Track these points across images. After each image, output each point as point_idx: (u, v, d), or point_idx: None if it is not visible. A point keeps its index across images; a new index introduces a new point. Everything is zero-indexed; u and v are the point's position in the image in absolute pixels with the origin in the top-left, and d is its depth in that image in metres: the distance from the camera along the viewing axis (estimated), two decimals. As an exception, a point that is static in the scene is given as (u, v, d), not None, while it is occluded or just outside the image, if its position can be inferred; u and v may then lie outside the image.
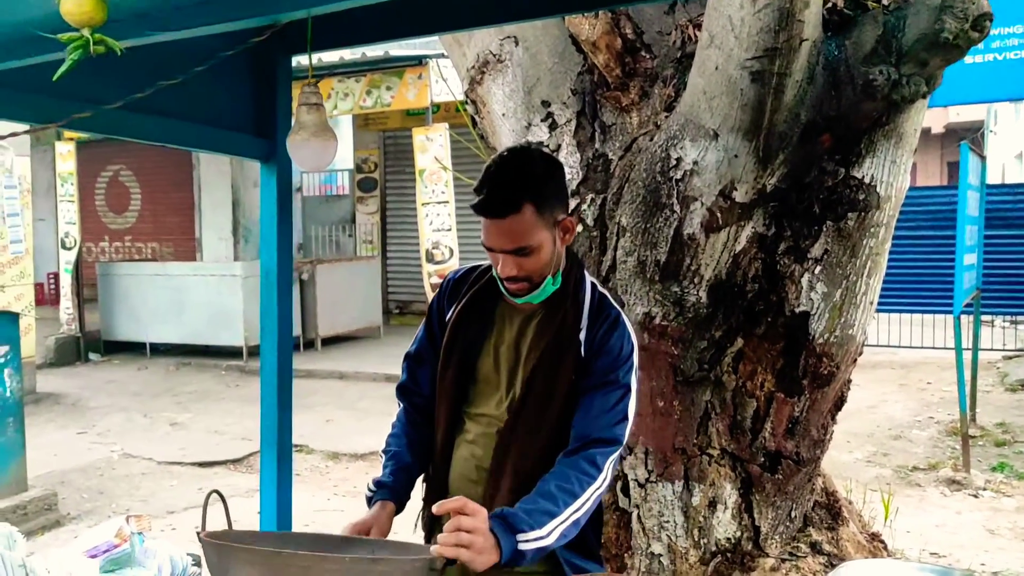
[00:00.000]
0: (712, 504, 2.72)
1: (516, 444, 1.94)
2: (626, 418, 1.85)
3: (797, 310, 2.56)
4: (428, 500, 2.08)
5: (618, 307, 1.95)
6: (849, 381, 2.79)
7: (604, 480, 1.82)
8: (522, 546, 1.68)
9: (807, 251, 2.52)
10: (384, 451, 2.13)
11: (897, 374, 10.41)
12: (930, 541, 5.24)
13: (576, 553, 1.94)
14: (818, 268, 2.53)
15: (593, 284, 1.96)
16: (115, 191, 15.74)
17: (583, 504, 1.79)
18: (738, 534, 2.73)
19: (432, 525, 2.09)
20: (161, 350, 11.95)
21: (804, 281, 2.54)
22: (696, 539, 2.73)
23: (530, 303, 1.92)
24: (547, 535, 1.73)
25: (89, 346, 11.78)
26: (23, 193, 9.19)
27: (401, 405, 2.17)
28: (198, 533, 1.56)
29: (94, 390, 10.05)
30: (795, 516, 2.81)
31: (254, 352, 11.11)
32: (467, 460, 2.02)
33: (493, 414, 1.99)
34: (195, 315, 11.32)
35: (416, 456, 2.08)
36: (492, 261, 1.91)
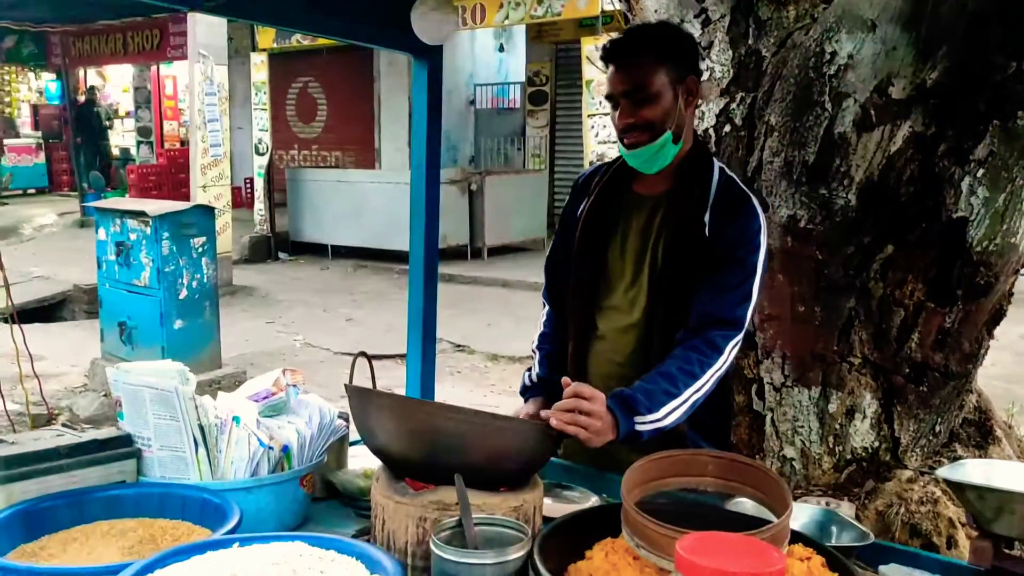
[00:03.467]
0: (850, 412, 2.68)
1: (646, 333, 2.00)
2: (748, 298, 1.85)
3: (955, 215, 2.42)
4: None
5: (748, 190, 1.94)
6: (1010, 294, 2.62)
7: (724, 363, 1.84)
8: (639, 427, 1.76)
9: (969, 152, 2.36)
10: (537, 347, 2.24)
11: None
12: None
13: (709, 442, 1.99)
14: (980, 171, 2.37)
15: (721, 168, 1.95)
16: (304, 102, 16.62)
17: (702, 386, 1.83)
18: (876, 444, 2.67)
19: None
20: (341, 252, 12.71)
21: (964, 185, 2.39)
22: (831, 446, 2.71)
23: (653, 185, 1.92)
24: (664, 416, 1.79)
25: (279, 246, 12.73)
26: (221, 100, 9.93)
27: (546, 307, 2.28)
28: (345, 385, 1.74)
29: (281, 285, 10.92)
30: (940, 431, 2.71)
31: (425, 258, 11.62)
32: (600, 355, 2.09)
33: (621, 306, 2.05)
34: (372, 220, 11.91)
35: (564, 354, 2.17)
36: (613, 120, 1.94)
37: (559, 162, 14.69)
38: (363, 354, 1.90)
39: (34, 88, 20.35)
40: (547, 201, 13.38)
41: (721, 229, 1.87)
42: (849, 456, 2.69)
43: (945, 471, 1.49)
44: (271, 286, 10.84)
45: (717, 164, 1.95)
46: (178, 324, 5.81)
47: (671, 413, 1.80)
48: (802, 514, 1.78)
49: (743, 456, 1.60)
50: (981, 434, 2.78)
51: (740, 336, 1.87)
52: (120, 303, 6.05)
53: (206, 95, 9.56)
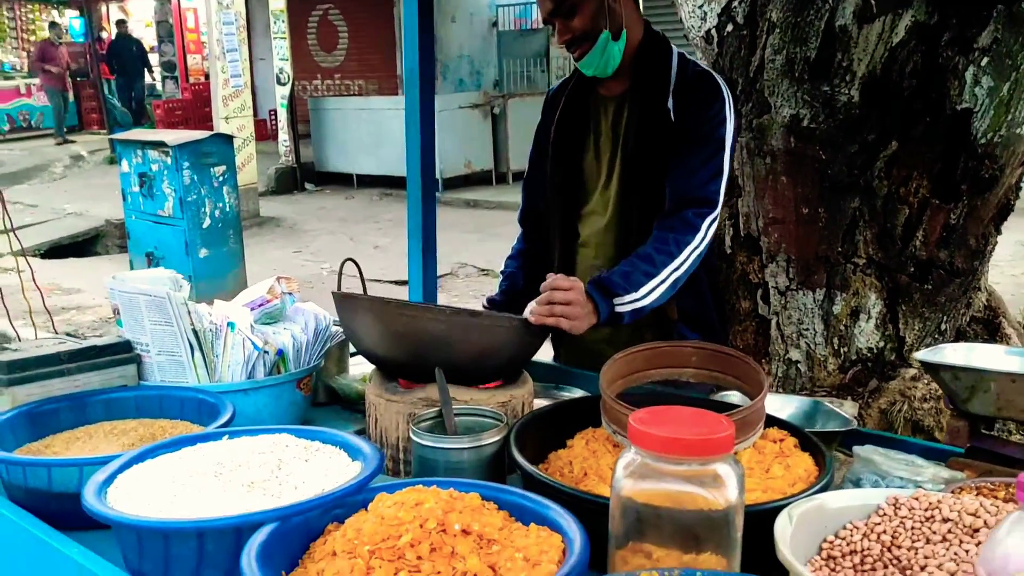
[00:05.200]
0: (854, 313, 2.67)
1: (624, 232, 2.00)
2: (719, 174, 1.85)
3: (959, 108, 2.36)
4: None
5: (710, 68, 1.93)
6: (1017, 187, 2.57)
7: (702, 241, 1.85)
8: (619, 308, 1.78)
9: (973, 41, 2.29)
10: (504, 269, 2.27)
11: None
12: None
13: (699, 333, 2.01)
14: (984, 59, 2.30)
15: (680, 53, 1.94)
16: (325, 30, 16.45)
17: (681, 264, 1.84)
18: (881, 344, 2.67)
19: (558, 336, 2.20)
20: (366, 181, 12.74)
21: (968, 75, 2.32)
22: (836, 347, 2.71)
23: (608, 80, 1.92)
24: (644, 296, 1.81)
25: (304, 176, 12.78)
26: (239, 29, 9.87)
27: (521, 231, 2.29)
28: (333, 292, 1.78)
29: (308, 215, 11.00)
30: (945, 329, 2.69)
31: (449, 184, 11.61)
32: (584, 262, 2.11)
33: (598, 209, 2.06)
34: (395, 148, 11.84)
35: (529, 278, 2.19)
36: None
37: (584, 82, 14.44)
38: (350, 259, 1.94)
39: (43, 23, 20.09)
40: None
41: (685, 110, 1.88)
42: (854, 357, 2.69)
43: (922, 354, 1.49)
44: (297, 216, 10.93)
45: (676, 50, 1.94)
46: (203, 253, 5.91)
47: (650, 293, 1.82)
48: (790, 405, 1.81)
49: (724, 346, 1.61)
50: (989, 332, 2.75)
51: (716, 213, 1.87)
52: (146, 234, 6.16)
53: (224, 24, 9.50)
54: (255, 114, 11.24)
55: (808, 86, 2.49)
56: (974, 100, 2.35)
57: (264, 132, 14.24)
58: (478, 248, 8.74)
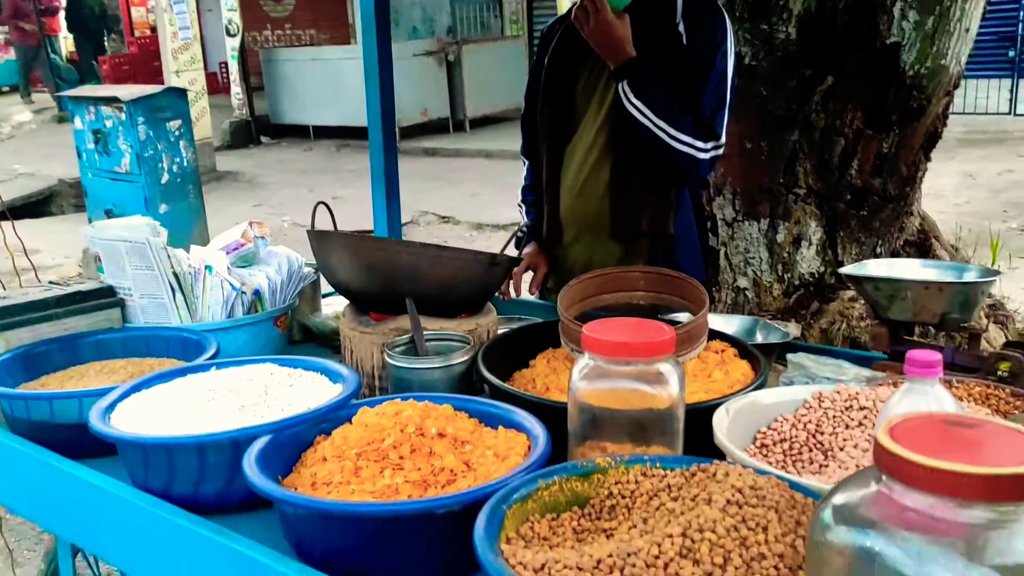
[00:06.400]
0: (796, 241, 2.84)
1: (617, 164, 2.08)
2: (723, 106, 1.95)
3: (888, 41, 2.50)
4: (549, 234, 2.28)
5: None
6: (943, 116, 2.73)
7: (693, 142, 1.95)
8: (624, 80, 1.93)
9: (900, -23, 2.43)
10: (522, 201, 2.38)
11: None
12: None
13: (688, 257, 2.13)
14: (911, -5, 2.44)
15: None
16: (272, -21, 16.13)
17: (673, 137, 1.95)
18: (821, 269, 2.85)
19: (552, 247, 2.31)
20: (323, 132, 12.65)
21: (896, 10, 2.46)
22: (780, 273, 2.88)
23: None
24: (639, 104, 1.94)
25: (260, 129, 12.66)
26: (185, -20, 9.68)
27: (525, 163, 2.38)
28: (307, 230, 1.88)
29: (266, 169, 10.94)
30: (880, 252, 2.87)
31: (407, 133, 11.58)
32: (571, 191, 2.19)
33: (590, 139, 2.12)
34: (352, 98, 11.77)
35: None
36: None
37: (538, 26, 14.39)
38: (322, 203, 2.04)
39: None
40: (527, 67, 13.19)
41: (694, 35, 1.95)
42: (797, 282, 2.87)
43: (848, 268, 1.64)
44: (255, 170, 10.86)
45: None
46: (163, 208, 5.91)
47: (644, 112, 1.94)
48: (734, 323, 1.96)
49: (669, 269, 1.75)
50: (921, 254, 2.94)
51: (718, 145, 1.96)
52: (104, 191, 6.13)
53: (168, -25, 9.31)
54: (205, 67, 11.05)
55: (748, 24, 2.61)
56: (902, 34, 2.49)
57: (215, 85, 13.99)
58: (438, 196, 8.81)
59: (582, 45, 2.09)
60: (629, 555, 0.87)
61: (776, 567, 0.85)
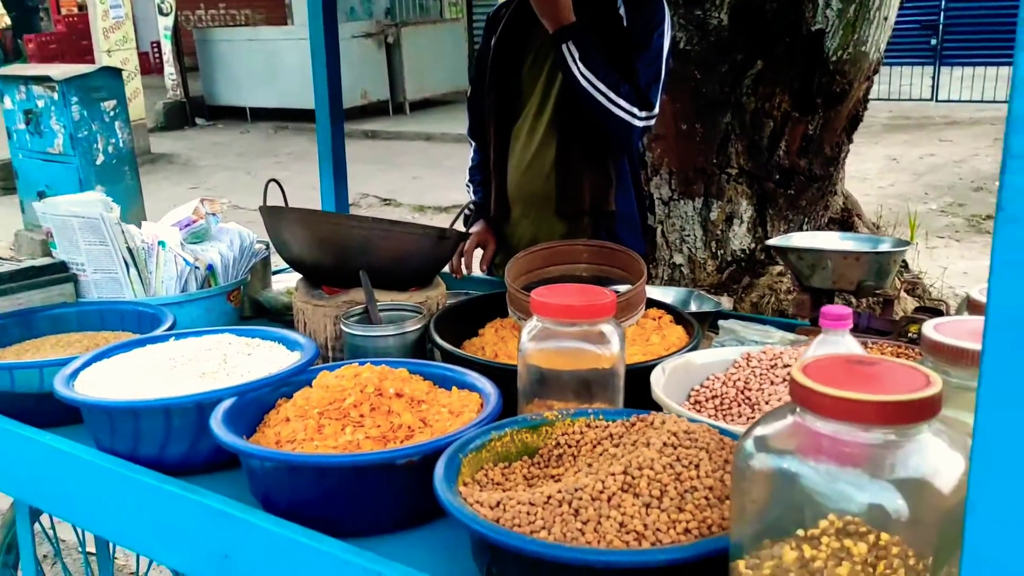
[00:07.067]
0: (729, 219, 2.97)
1: (563, 142, 2.16)
2: (658, 79, 2.05)
3: (813, 28, 2.64)
4: (496, 212, 2.35)
5: None
6: (864, 99, 2.89)
7: (631, 108, 2.03)
8: (568, 43, 2.00)
9: (824, -34, 2.57)
10: (469, 180, 2.44)
11: (996, 129, 10.02)
12: (982, 280, 5.40)
13: (629, 233, 2.23)
14: (834, -16, 2.58)
15: None
16: (205, -43, 15.79)
17: (613, 101, 2.02)
18: (751, 245, 2.99)
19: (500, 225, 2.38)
20: (260, 114, 12.49)
21: (820, -1, 2.61)
22: (713, 250, 3.01)
23: None
24: (581, 67, 2.02)
25: (195, 111, 12.42)
26: (115, -42, 9.44)
27: (472, 144, 2.44)
28: (260, 207, 1.93)
29: (202, 151, 10.76)
30: (807, 229, 3.03)
31: (347, 115, 11.48)
32: (518, 171, 2.27)
33: (534, 126, 2.21)
34: (289, 79, 11.67)
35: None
36: None
37: (477, 9, 14.39)
38: (273, 180, 2.09)
39: None
40: (466, 50, 13.21)
41: (635, 16, 2.05)
42: (729, 258, 3.01)
43: (773, 240, 1.76)
44: (191, 152, 10.68)
45: None
46: (99, 190, 5.80)
47: (585, 76, 2.01)
48: (670, 294, 2.07)
49: (610, 243, 1.85)
50: (844, 231, 3.11)
51: (653, 114, 2.06)
52: (36, 173, 6.00)
53: (98, -48, 9.07)
54: (137, 47, 10.80)
55: (683, 11, 2.72)
56: (826, 21, 2.63)
57: (148, 66, 13.68)
58: (380, 179, 8.80)
59: (528, 29, 2.17)
60: (576, 490, 0.96)
61: (706, 497, 0.95)
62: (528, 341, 1.26)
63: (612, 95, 2.02)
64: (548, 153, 2.18)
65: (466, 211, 2.33)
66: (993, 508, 0.60)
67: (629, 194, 2.23)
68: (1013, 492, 0.59)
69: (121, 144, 5.92)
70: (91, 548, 2.37)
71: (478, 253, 2.39)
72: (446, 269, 2.33)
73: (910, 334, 1.62)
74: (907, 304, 2.61)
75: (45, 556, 2.98)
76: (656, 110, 2.07)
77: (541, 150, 2.19)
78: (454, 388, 1.35)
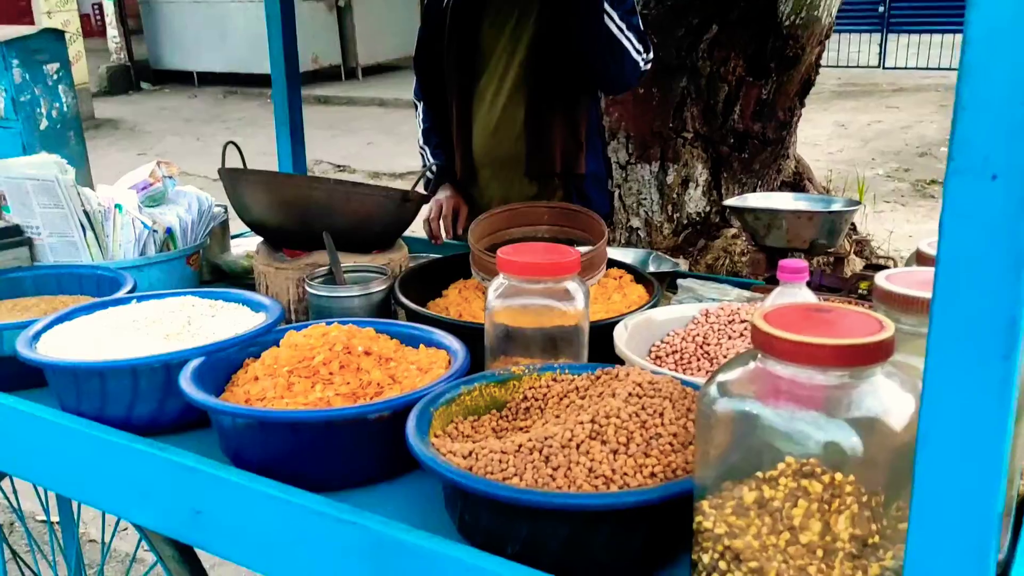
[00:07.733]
0: (685, 182, 3.02)
1: (531, 98, 2.14)
2: (638, 27, 2.02)
3: (768, -7, 2.68)
4: (462, 175, 2.31)
5: None
6: (816, 64, 2.95)
7: (643, 52, 2.02)
8: None
9: (778, -69, 2.60)
10: (424, 144, 2.37)
11: (940, 96, 10.24)
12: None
13: (598, 191, 2.23)
14: (788, -52, 2.62)
15: None
16: (146, -85, 15.25)
17: (620, 31, 2.00)
18: (707, 208, 3.04)
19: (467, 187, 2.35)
20: (208, 79, 12.21)
21: (776, -37, 2.64)
22: (670, 213, 3.06)
23: None
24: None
25: (139, 75, 12.10)
26: (53, -86, 9.10)
27: (420, 104, 2.37)
28: (218, 169, 1.91)
29: (149, 116, 10.51)
30: (760, 192, 3.09)
31: (297, 80, 11.29)
32: (485, 131, 2.24)
33: (501, 83, 2.18)
34: (238, 43, 11.41)
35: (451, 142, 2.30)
36: None
37: (429, -27, 14.18)
38: (231, 143, 2.07)
39: None
40: (420, 15, 13.02)
41: None
42: (685, 221, 3.06)
43: (730, 201, 1.81)
44: (137, 117, 10.42)
45: None
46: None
47: (612, 5, 1.98)
48: (630, 255, 2.11)
49: (572, 204, 1.88)
50: (795, 191, 3.18)
51: (650, 60, 2.04)
52: (-24, 138, 5.81)
53: (35, -92, 8.73)
54: (77, 7, 10.45)
55: (641, -26, 2.73)
56: (780, -14, 2.67)
57: (89, 28, 13.25)
58: (332, 144, 8.70)
59: None
60: (546, 439, 0.99)
61: (671, 443, 0.99)
62: (495, 299, 1.28)
63: (630, 35, 2.01)
64: (517, 114, 2.16)
65: (428, 174, 2.31)
66: (942, 443, 0.64)
67: (598, 155, 2.25)
68: (960, 428, 0.63)
69: (65, 108, 5.76)
70: (54, 517, 2.36)
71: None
72: (423, 234, 2.32)
73: (860, 290, 1.68)
74: (855, 265, 2.69)
75: (12, 524, 2.96)
76: (652, 55, 2.08)
77: (509, 111, 2.18)
78: (421, 346, 1.37)
